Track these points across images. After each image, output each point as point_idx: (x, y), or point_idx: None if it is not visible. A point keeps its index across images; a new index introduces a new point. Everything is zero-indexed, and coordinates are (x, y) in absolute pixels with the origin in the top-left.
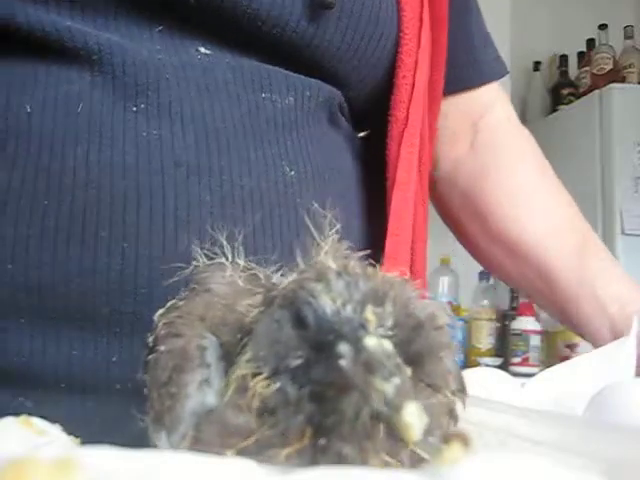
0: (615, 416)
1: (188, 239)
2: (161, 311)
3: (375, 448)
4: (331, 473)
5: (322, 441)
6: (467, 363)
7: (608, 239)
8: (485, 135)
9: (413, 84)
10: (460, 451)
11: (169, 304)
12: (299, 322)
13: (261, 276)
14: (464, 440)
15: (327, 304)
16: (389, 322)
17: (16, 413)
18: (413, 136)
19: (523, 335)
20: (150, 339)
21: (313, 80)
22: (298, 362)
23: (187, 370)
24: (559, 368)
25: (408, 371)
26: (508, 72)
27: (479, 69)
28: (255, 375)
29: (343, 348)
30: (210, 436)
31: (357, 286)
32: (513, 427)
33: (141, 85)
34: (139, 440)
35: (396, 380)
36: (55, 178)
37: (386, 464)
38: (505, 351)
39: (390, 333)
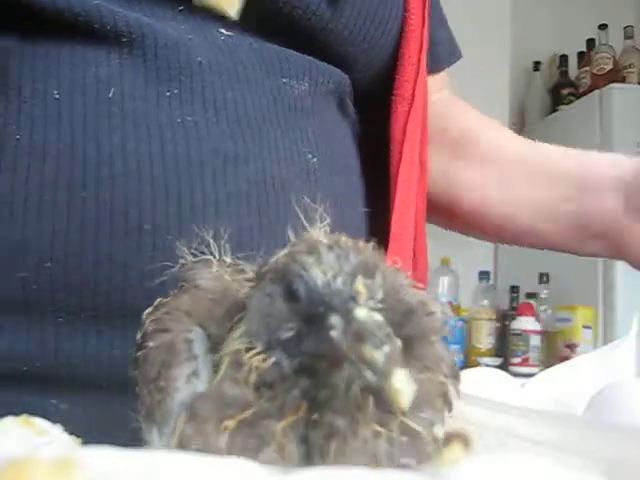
0: (615, 416)
1: (228, 230)
2: (149, 309)
3: (366, 419)
4: (331, 473)
5: (315, 415)
6: (467, 363)
7: None
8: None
9: (419, 63)
10: (460, 451)
11: (156, 302)
12: (290, 295)
13: (247, 270)
14: (464, 440)
15: (318, 276)
16: (379, 295)
17: (48, 416)
18: (418, 115)
19: (523, 335)
20: (138, 336)
21: (325, 64)
22: (290, 334)
23: (175, 364)
24: (559, 368)
25: (398, 341)
26: (462, 56)
27: (436, 52)
28: (249, 350)
29: (334, 319)
30: (206, 411)
31: (347, 258)
32: (513, 427)
33: (174, 69)
34: None
35: (386, 348)
36: (92, 169)
37: (377, 434)
38: (505, 351)
39: (380, 306)
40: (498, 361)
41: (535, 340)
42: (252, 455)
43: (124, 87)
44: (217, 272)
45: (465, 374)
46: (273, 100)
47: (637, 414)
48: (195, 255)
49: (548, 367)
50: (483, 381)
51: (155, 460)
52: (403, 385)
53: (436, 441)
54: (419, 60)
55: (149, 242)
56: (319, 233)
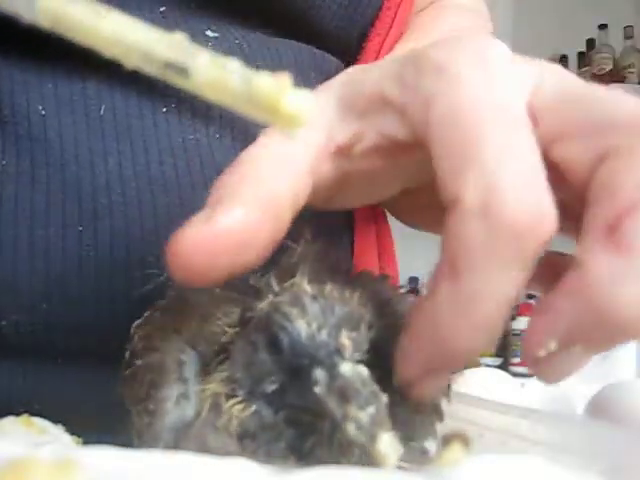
0: (615, 416)
1: None
2: (138, 322)
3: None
4: (331, 473)
5: (303, 465)
6: (467, 363)
7: None
8: None
9: (394, 17)
10: (460, 452)
11: (145, 315)
12: (274, 346)
13: (237, 282)
14: (464, 441)
15: (302, 328)
16: (364, 346)
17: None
18: None
19: (523, 335)
20: (127, 353)
21: (316, 54)
22: (273, 387)
23: (164, 385)
24: None
25: (384, 398)
26: None
27: None
28: (230, 397)
29: (318, 374)
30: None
31: (332, 310)
32: (513, 427)
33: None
34: None
35: (371, 409)
36: (88, 198)
37: None
38: (505, 351)
39: (364, 357)
40: (498, 361)
41: None
42: None
43: (115, 103)
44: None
45: (465, 374)
46: None
47: (637, 414)
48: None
49: None
50: (483, 381)
51: (155, 460)
52: (389, 449)
53: (425, 453)
54: (396, 13)
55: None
56: (303, 281)
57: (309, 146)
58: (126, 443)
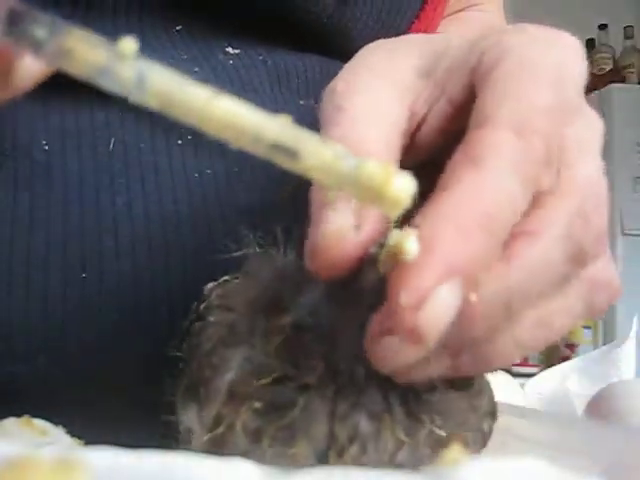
0: (615, 416)
1: None
2: (212, 284)
3: (393, 423)
4: (330, 474)
5: (342, 406)
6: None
7: (608, 239)
8: None
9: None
10: (460, 452)
11: (222, 279)
12: None
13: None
14: (464, 441)
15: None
16: None
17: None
18: None
19: None
20: (201, 306)
21: (340, 69)
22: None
23: (233, 344)
24: (559, 368)
25: None
26: None
27: None
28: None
29: None
30: (241, 391)
31: None
32: (513, 427)
33: None
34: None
35: None
36: (92, 240)
37: (400, 444)
38: None
39: None
40: None
41: None
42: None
43: (126, 136)
44: (280, 270)
45: None
46: None
47: (637, 414)
48: (261, 245)
49: (548, 367)
50: None
51: (157, 460)
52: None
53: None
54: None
55: (165, 326)
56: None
57: (396, 124)
58: (126, 443)
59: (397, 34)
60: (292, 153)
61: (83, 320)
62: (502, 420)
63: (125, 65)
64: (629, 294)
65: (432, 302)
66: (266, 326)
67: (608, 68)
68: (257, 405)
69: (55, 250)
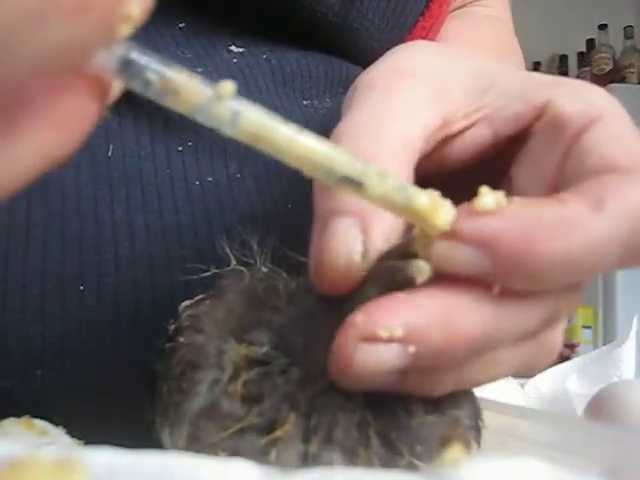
0: (615, 416)
1: None
2: (187, 302)
3: (368, 457)
4: (331, 474)
5: (313, 446)
6: None
7: None
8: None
9: (427, 34)
10: (460, 452)
11: (197, 298)
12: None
13: (280, 286)
14: (464, 441)
15: None
16: None
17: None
18: None
19: None
20: (172, 327)
21: (346, 65)
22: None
23: (201, 368)
24: (559, 368)
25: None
26: None
27: None
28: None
29: None
30: (206, 430)
31: None
32: (513, 428)
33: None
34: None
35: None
36: (90, 252)
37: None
38: None
39: None
40: None
41: None
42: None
43: (125, 144)
44: (249, 286)
45: None
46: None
47: (637, 414)
48: (237, 258)
49: (548, 367)
50: None
51: (157, 461)
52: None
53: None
54: (430, 27)
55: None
56: None
57: (426, 128)
58: (126, 443)
59: (403, 32)
60: (358, 185)
61: (81, 336)
62: (502, 420)
63: (222, 104)
64: (629, 294)
65: (372, 352)
66: (233, 352)
67: (608, 68)
68: (223, 453)
69: (52, 263)
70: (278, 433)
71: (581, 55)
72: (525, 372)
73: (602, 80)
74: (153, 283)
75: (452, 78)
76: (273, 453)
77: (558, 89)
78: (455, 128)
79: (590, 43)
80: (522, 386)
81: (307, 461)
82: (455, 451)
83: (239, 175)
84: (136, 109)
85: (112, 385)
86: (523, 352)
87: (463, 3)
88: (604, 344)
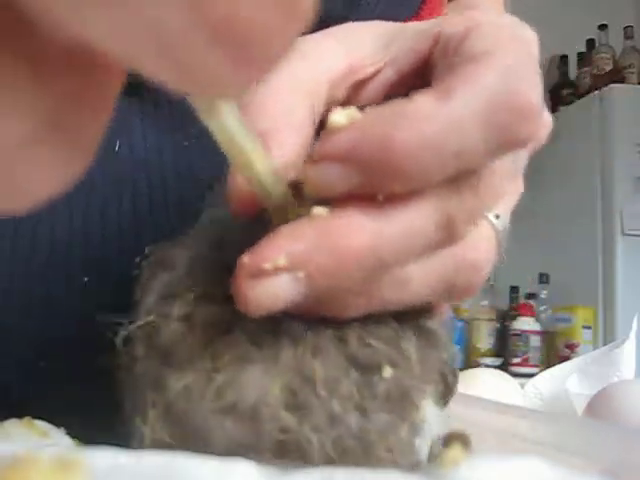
0: (615, 416)
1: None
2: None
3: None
4: (331, 474)
5: None
6: (467, 363)
7: (608, 239)
8: None
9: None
10: (460, 452)
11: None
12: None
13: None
14: (464, 441)
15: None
16: None
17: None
18: None
19: (523, 335)
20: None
21: None
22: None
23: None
24: (559, 368)
25: None
26: None
27: None
28: None
29: None
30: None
31: None
32: (513, 427)
33: (193, 112)
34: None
35: None
36: (95, 249)
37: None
38: (505, 351)
39: None
40: (498, 361)
41: (535, 340)
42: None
43: (132, 138)
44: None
45: (465, 375)
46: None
47: (637, 414)
48: None
49: (548, 367)
50: (483, 381)
51: (157, 460)
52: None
53: (416, 408)
54: None
55: None
56: None
57: (330, 71)
58: (126, 443)
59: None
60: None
61: (83, 323)
62: (502, 421)
63: None
64: (629, 294)
65: (267, 283)
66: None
67: (608, 68)
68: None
69: (57, 256)
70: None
71: (581, 55)
72: (450, 294)
73: (602, 80)
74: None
75: (363, 36)
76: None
77: (452, 18)
78: (363, 74)
79: (590, 43)
80: (522, 386)
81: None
82: (455, 452)
83: None
84: (143, 104)
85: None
86: (435, 268)
87: None
88: (604, 344)
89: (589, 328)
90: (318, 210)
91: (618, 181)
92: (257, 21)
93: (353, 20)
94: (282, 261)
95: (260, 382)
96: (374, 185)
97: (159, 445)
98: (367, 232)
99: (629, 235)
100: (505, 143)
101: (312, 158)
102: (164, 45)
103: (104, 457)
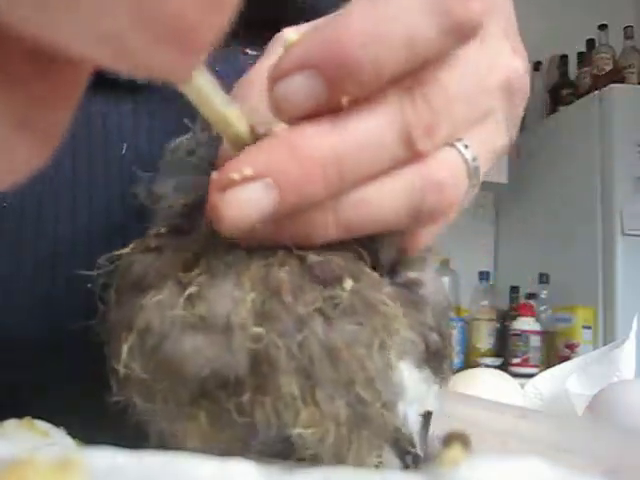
0: (615, 416)
1: None
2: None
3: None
4: (331, 474)
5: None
6: (467, 363)
7: (608, 239)
8: None
9: None
10: (460, 452)
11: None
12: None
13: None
14: (464, 441)
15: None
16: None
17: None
18: None
19: (523, 335)
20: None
21: None
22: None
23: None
24: (559, 368)
25: None
26: None
27: None
28: None
29: None
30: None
31: None
32: (513, 428)
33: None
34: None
35: None
36: (100, 245)
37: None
38: (505, 351)
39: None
40: (498, 361)
41: (535, 340)
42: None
43: (139, 141)
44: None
45: (465, 375)
46: None
47: (637, 414)
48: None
49: (548, 367)
50: (483, 381)
51: (157, 460)
52: None
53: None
54: None
55: None
56: None
57: None
58: (126, 443)
59: None
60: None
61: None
62: (502, 421)
63: None
64: (629, 294)
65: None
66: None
67: (608, 68)
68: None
69: (60, 255)
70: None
71: (581, 55)
72: (416, 218)
73: (602, 80)
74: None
75: None
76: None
77: None
78: None
79: (590, 43)
80: (522, 386)
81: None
82: (455, 451)
83: None
84: (151, 101)
85: None
86: (398, 187)
87: None
88: (604, 344)
89: (589, 328)
90: (281, 126)
91: (618, 181)
92: (189, 18)
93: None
94: (248, 171)
95: (230, 294)
96: (333, 93)
97: (135, 384)
98: (328, 140)
99: (629, 235)
100: (450, 28)
101: (273, 77)
102: (118, 46)
103: (104, 457)
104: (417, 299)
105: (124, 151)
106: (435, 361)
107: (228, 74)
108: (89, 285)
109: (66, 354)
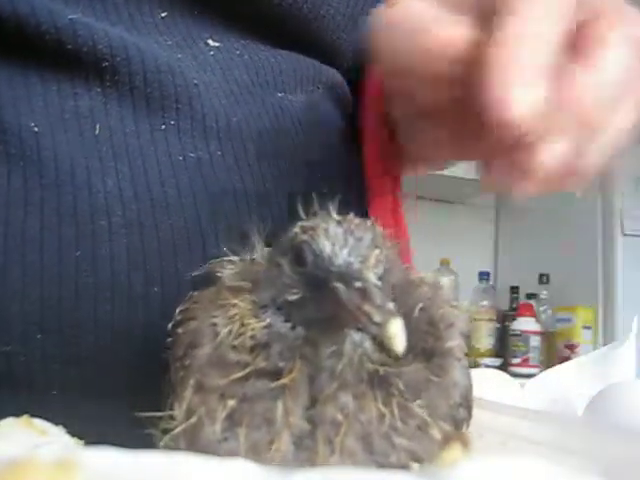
0: (615, 416)
1: None
2: (181, 306)
3: (372, 395)
4: (331, 474)
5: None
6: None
7: (608, 239)
8: None
9: None
10: (460, 452)
11: (187, 297)
12: (298, 261)
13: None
14: (464, 441)
15: (325, 245)
16: (380, 268)
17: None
18: None
19: (523, 336)
20: (169, 325)
21: (315, 65)
22: (294, 297)
23: (200, 345)
24: (559, 368)
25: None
26: None
27: None
28: (249, 317)
29: (338, 284)
30: (211, 377)
31: (354, 232)
32: (513, 428)
33: (167, 97)
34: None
35: (386, 305)
36: (86, 221)
37: (381, 414)
38: (505, 352)
39: (380, 274)
40: (498, 362)
41: (535, 341)
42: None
43: (111, 122)
44: (240, 264)
45: None
46: (276, 120)
47: (637, 414)
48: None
49: (548, 368)
50: (483, 382)
51: (157, 460)
52: (398, 331)
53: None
54: None
55: (157, 308)
56: (329, 212)
57: None
58: (126, 444)
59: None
60: None
61: (78, 300)
62: (502, 421)
63: None
64: (629, 294)
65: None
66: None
67: None
68: (230, 401)
69: (49, 231)
70: (285, 380)
71: None
72: None
73: None
74: (144, 250)
75: None
76: (281, 399)
77: None
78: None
79: None
80: (522, 386)
81: (315, 405)
82: (455, 451)
83: (220, 152)
84: (120, 85)
85: (111, 348)
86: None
87: None
88: (604, 344)
89: (589, 328)
90: None
91: (618, 181)
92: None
93: (317, 26)
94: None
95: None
96: None
97: None
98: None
99: (629, 235)
100: None
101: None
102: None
103: (104, 457)
104: (448, 384)
105: (97, 131)
106: (459, 427)
107: (192, 63)
108: (77, 253)
109: (63, 320)
